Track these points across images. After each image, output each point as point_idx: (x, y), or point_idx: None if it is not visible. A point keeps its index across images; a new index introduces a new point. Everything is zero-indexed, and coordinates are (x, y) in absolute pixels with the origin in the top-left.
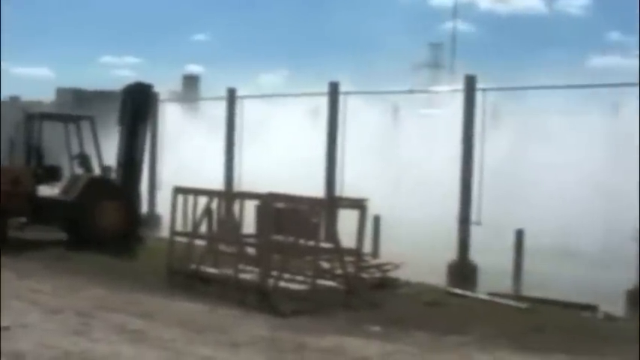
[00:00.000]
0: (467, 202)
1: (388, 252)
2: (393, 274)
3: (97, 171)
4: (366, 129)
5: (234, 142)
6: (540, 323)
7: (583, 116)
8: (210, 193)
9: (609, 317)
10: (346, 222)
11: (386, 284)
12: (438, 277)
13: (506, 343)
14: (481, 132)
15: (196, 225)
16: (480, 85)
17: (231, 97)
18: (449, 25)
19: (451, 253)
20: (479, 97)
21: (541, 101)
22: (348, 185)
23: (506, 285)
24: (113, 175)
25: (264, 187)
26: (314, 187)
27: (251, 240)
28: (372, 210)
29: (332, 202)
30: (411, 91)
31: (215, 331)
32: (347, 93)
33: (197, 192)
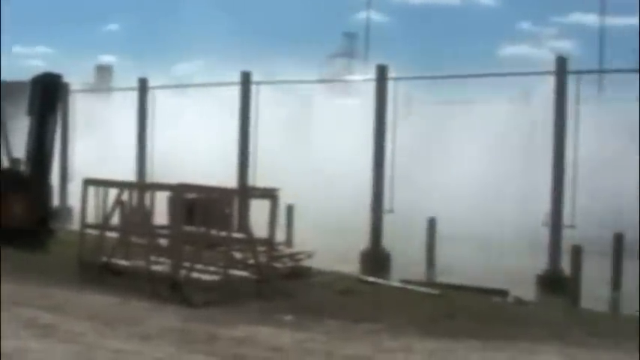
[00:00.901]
0: (379, 190)
1: (302, 241)
2: (306, 263)
3: (5, 163)
4: (279, 119)
5: (147, 132)
6: (451, 309)
7: (494, 105)
8: (121, 185)
9: (520, 302)
10: (260, 212)
11: (299, 273)
12: (351, 266)
13: (417, 330)
14: (393, 121)
15: (107, 217)
16: (392, 74)
17: (143, 88)
18: (363, 15)
19: (364, 242)
20: (391, 86)
21: (454, 90)
22: (262, 175)
23: (419, 272)
24: (22, 168)
25: (177, 178)
26: (228, 177)
27: (163, 231)
28: (286, 199)
29: (244, 192)
30: (322, 81)
31: (126, 323)
32: (259, 83)
33: (108, 183)
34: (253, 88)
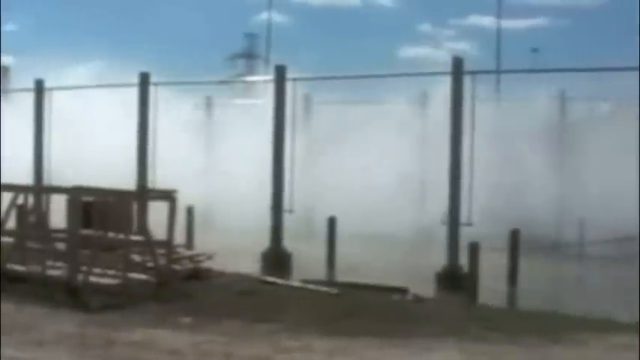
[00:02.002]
0: (279, 190)
1: (203, 242)
2: (206, 265)
3: None
4: (180, 120)
5: (44, 134)
6: (351, 308)
7: (394, 105)
8: (16, 189)
9: (418, 299)
10: (161, 214)
11: (199, 275)
12: (252, 266)
13: (317, 329)
14: (292, 121)
15: (2, 222)
16: (292, 75)
17: (39, 89)
18: (264, 16)
19: (265, 242)
20: (290, 86)
21: (354, 91)
22: (162, 177)
23: (319, 271)
24: None
25: (75, 181)
26: (127, 180)
27: (60, 235)
28: (186, 201)
29: (141, 194)
30: (222, 82)
31: (21, 330)
32: (157, 84)
33: (2, 187)
34: (152, 89)
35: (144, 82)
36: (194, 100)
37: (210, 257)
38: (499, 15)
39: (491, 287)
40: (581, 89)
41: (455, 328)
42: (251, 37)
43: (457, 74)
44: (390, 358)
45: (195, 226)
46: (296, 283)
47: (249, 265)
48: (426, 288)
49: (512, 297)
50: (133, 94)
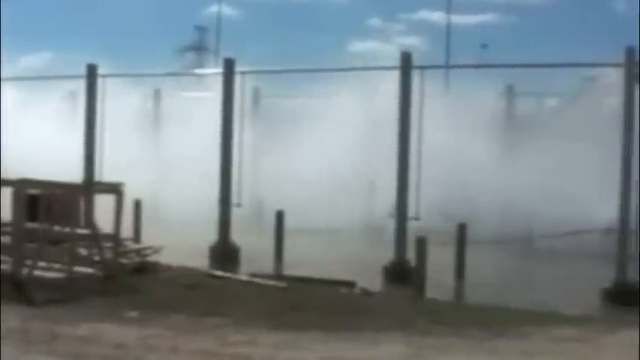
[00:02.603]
0: (227, 184)
1: (150, 236)
2: (153, 258)
3: None
4: (128, 112)
5: None
6: (298, 301)
7: (343, 99)
8: None
9: (366, 292)
10: (108, 207)
11: (146, 269)
12: (200, 260)
13: (264, 323)
14: (241, 115)
15: None
16: (240, 68)
17: None
18: (214, 8)
19: (214, 236)
20: (238, 80)
21: (304, 84)
22: (109, 169)
23: (268, 265)
24: None
25: (23, 174)
26: (75, 172)
27: (5, 228)
28: (134, 194)
29: (88, 187)
30: (171, 74)
31: None
32: (105, 76)
33: None
34: (100, 80)
35: (91, 73)
36: (143, 92)
37: (157, 251)
38: (449, 10)
39: (438, 281)
40: (529, 85)
41: (402, 321)
42: (201, 29)
43: (405, 69)
44: (336, 351)
45: (143, 219)
46: (244, 277)
47: (197, 259)
48: (373, 282)
49: (459, 291)
50: (81, 85)
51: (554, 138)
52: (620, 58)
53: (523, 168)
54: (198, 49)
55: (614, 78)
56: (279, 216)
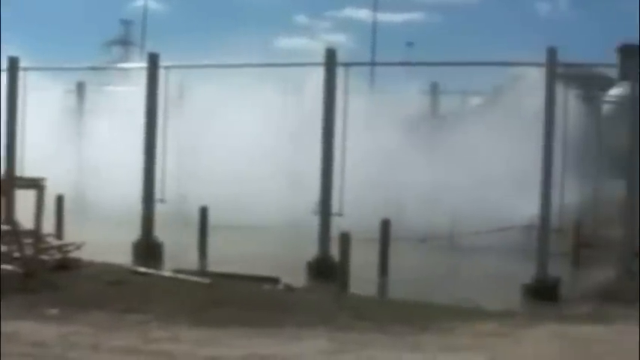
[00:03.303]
0: (150, 180)
1: (72, 232)
2: (75, 255)
3: None
4: (50, 106)
5: None
6: (221, 297)
7: (269, 95)
8: None
9: (289, 288)
10: (29, 203)
11: (67, 265)
12: (123, 256)
13: (186, 319)
14: (165, 110)
15: None
16: (165, 62)
17: None
18: (140, 2)
19: (137, 232)
20: (163, 74)
21: (229, 80)
22: (30, 164)
23: (192, 261)
24: None
25: None
26: None
27: None
28: (56, 189)
29: (8, 182)
30: (94, 68)
31: None
32: (26, 69)
33: None
34: (21, 74)
35: (12, 66)
36: (66, 86)
37: (79, 247)
38: (375, 8)
39: (362, 277)
40: (454, 83)
41: (324, 317)
42: (126, 23)
43: (330, 65)
44: (258, 347)
45: (66, 215)
46: (167, 273)
47: (119, 255)
48: (297, 278)
49: (382, 286)
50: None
51: (478, 136)
52: (542, 57)
53: (447, 165)
54: (124, 42)
55: (536, 77)
56: (203, 212)
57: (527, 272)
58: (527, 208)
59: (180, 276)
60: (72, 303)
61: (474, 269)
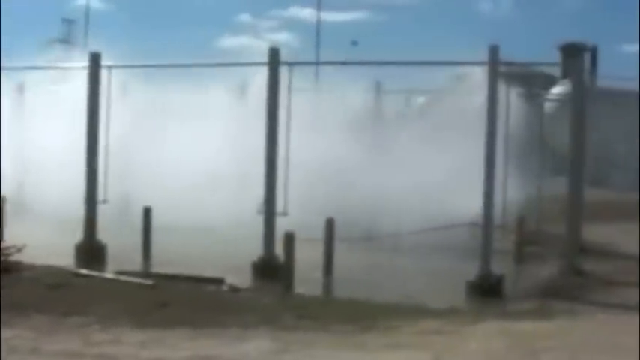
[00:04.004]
0: (93, 180)
1: (13, 234)
2: (16, 257)
3: None
4: None
5: None
6: (165, 299)
7: (213, 95)
8: None
9: (234, 289)
10: None
11: (8, 268)
12: (66, 259)
13: (129, 321)
14: (107, 109)
15: None
16: (107, 62)
17: None
18: (82, 1)
19: (80, 234)
20: (105, 74)
21: (173, 80)
22: None
23: (136, 263)
24: None
25: None
26: None
27: None
28: None
29: None
30: (35, 67)
31: None
32: None
33: None
34: None
35: None
36: (5, 85)
37: (20, 250)
38: (319, 7)
39: (307, 276)
40: (399, 82)
41: (269, 317)
42: (68, 22)
43: (273, 65)
44: (202, 348)
45: (7, 217)
46: (110, 275)
47: (62, 257)
48: (242, 278)
49: (327, 286)
50: None
51: (422, 134)
52: (485, 56)
53: (392, 164)
54: (66, 42)
55: (479, 76)
56: (147, 212)
57: (471, 270)
58: (470, 206)
59: (123, 278)
60: (12, 306)
61: (418, 267)
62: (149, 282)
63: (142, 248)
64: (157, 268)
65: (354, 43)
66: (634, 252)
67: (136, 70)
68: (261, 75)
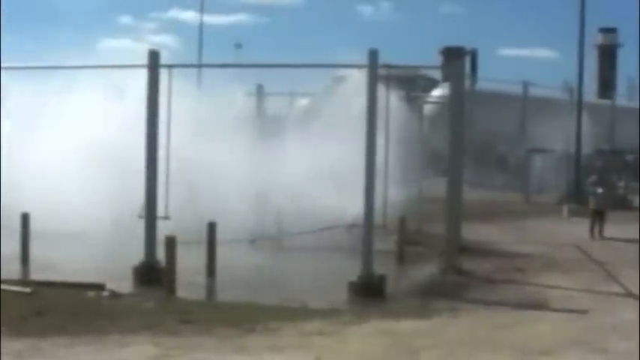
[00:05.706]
0: None
1: None
2: None
3: None
4: None
5: None
6: (43, 306)
7: (92, 97)
8: None
9: (115, 295)
10: None
11: None
12: None
13: (5, 330)
14: None
15: None
16: None
17: None
18: None
19: None
20: None
21: (50, 82)
22: None
23: (14, 270)
24: None
25: None
26: None
27: None
28: None
29: None
30: None
31: None
32: None
33: None
34: None
35: None
36: None
37: None
38: (201, 10)
39: (189, 280)
40: (281, 84)
41: (150, 322)
42: None
43: (153, 67)
44: (80, 356)
45: None
46: None
47: None
48: (124, 283)
49: (210, 289)
50: None
51: (304, 137)
52: (365, 59)
53: (274, 166)
54: None
55: (360, 78)
56: (25, 219)
57: (353, 270)
58: (352, 207)
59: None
60: None
61: (300, 269)
62: (27, 290)
63: (21, 255)
64: (35, 275)
65: (238, 46)
66: (512, 250)
67: (12, 71)
68: (142, 78)
